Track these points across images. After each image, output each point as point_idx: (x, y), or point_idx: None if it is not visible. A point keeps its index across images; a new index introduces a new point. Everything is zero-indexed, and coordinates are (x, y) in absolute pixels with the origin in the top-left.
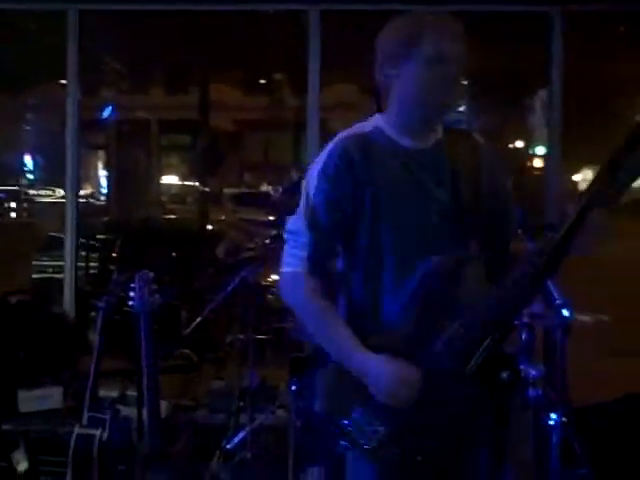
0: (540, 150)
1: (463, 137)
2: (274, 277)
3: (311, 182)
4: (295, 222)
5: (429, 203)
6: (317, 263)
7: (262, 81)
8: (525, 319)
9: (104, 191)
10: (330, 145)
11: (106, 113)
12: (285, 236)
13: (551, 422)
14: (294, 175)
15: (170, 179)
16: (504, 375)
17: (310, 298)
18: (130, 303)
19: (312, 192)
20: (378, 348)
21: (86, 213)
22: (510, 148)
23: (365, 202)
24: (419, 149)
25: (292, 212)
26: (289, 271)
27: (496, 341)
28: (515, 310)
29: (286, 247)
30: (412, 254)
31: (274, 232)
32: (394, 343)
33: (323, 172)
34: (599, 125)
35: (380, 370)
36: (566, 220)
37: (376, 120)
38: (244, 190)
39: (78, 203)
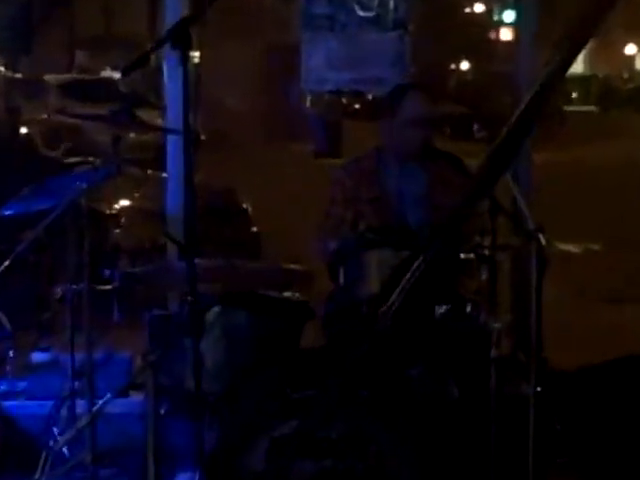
0: (509, 16)
1: None
2: (122, 202)
3: None
4: None
5: None
6: None
7: None
8: (485, 251)
9: None
10: None
11: None
12: None
13: (522, 392)
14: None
15: None
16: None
17: None
18: None
19: None
20: None
21: None
22: (467, 14)
23: None
24: None
25: (144, 102)
26: None
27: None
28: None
29: None
30: None
31: (117, 132)
32: None
33: None
34: None
35: None
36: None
37: None
38: (76, 76)
39: None
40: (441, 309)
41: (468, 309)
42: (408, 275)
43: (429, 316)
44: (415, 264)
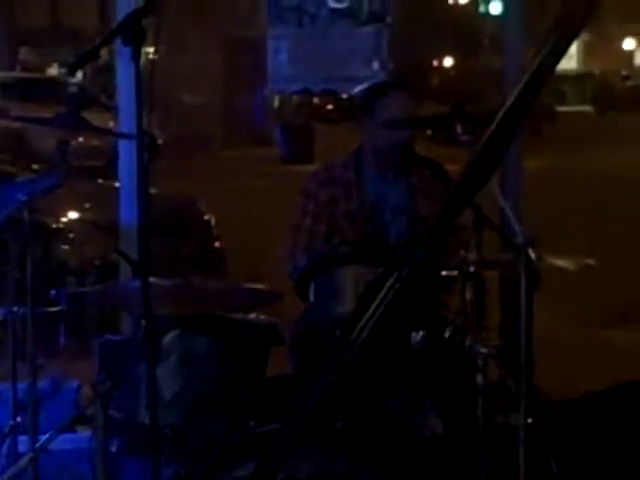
0: (495, 8)
1: None
2: (70, 215)
3: None
4: None
5: None
6: None
7: None
8: (470, 267)
9: None
10: None
11: None
12: None
13: (511, 423)
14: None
15: None
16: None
17: None
18: None
19: None
20: None
21: None
22: (450, 5)
23: None
24: None
25: (94, 103)
26: None
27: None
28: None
29: None
30: None
31: (64, 137)
32: None
33: None
34: None
35: None
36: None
37: None
38: (19, 74)
39: None
40: (418, 335)
41: (447, 333)
42: (380, 295)
43: (405, 343)
44: (388, 282)
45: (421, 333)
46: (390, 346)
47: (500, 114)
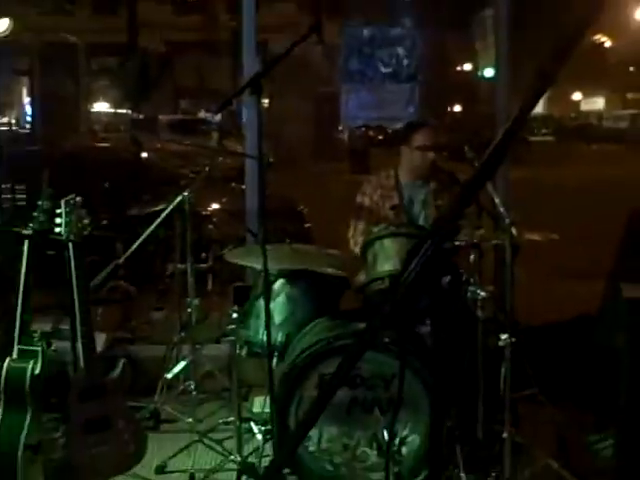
0: (489, 72)
1: None
2: (214, 206)
3: None
4: None
5: None
6: None
7: None
8: (474, 239)
9: (29, 119)
10: None
11: None
12: None
13: (501, 343)
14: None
15: (101, 106)
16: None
17: None
18: (58, 230)
19: None
20: None
21: (9, 141)
22: (457, 70)
23: None
24: None
25: (230, 134)
26: None
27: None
28: None
29: None
30: None
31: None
32: None
33: None
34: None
35: None
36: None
37: None
38: (180, 117)
39: None
40: (446, 279)
41: (464, 278)
42: (420, 254)
43: (437, 284)
44: (425, 246)
45: (448, 277)
46: (427, 286)
47: (495, 142)
